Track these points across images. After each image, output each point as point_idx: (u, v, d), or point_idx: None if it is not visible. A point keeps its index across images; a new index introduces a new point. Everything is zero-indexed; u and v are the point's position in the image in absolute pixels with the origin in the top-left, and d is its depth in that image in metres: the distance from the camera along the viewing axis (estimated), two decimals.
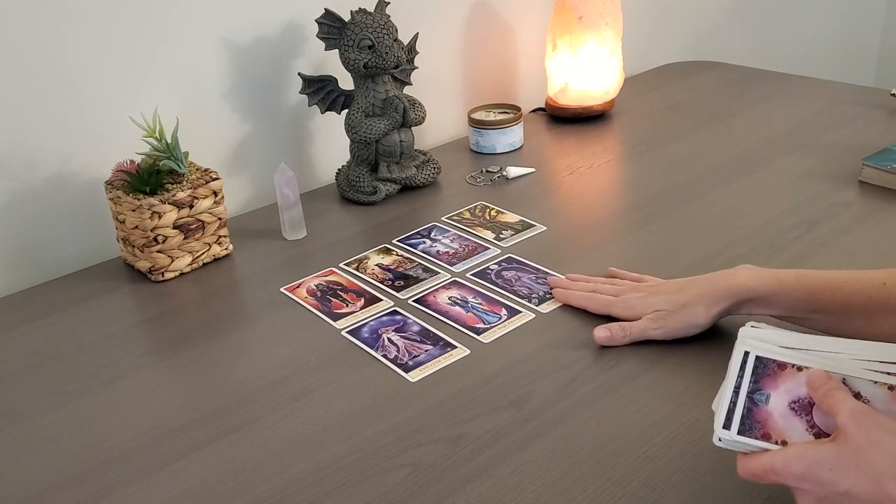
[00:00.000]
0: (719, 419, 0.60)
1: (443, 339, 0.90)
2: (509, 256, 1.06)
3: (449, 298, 0.98)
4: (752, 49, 2.04)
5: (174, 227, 1.05)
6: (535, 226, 1.14)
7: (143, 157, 1.07)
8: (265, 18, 1.24)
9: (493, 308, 0.95)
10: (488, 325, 0.92)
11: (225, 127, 1.25)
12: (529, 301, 0.96)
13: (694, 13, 1.90)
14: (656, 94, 1.62)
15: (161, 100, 1.14)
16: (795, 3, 2.15)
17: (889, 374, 0.59)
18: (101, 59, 1.11)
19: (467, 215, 1.18)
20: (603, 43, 1.43)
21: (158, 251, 1.06)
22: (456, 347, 0.89)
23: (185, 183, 1.07)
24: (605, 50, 1.44)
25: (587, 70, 1.45)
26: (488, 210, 1.20)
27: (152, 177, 1.05)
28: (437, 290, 1.00)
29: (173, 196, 1.04)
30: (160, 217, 1.03)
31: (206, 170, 1.10)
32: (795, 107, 1.48)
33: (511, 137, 1.40)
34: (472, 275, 1.03)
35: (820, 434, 0.58)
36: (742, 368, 0.62)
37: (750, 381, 0.61)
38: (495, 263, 1.05)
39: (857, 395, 0.59)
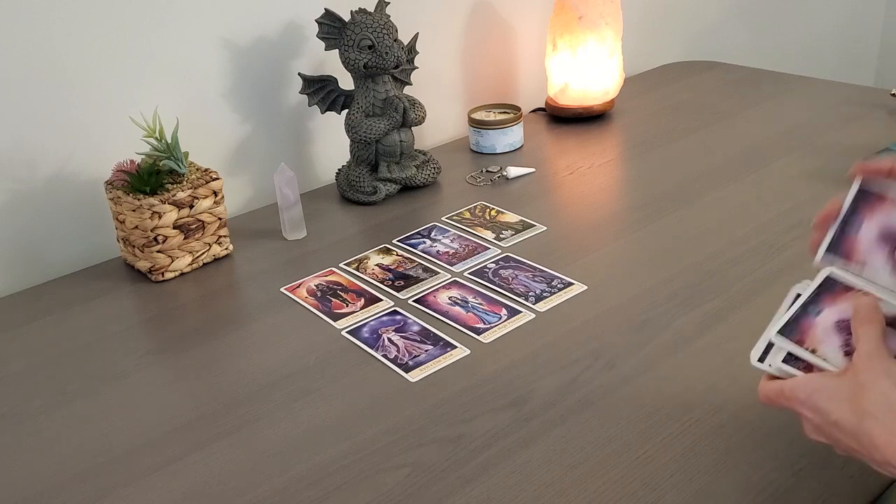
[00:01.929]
0: (758, 346, 0.62)
1: (443, 339, 0.90)
2: (507, 255, 1.06)
3: (449, 298, 0.98)
4: (752, 49, 2.04)
5: (174, 227, 1.05)
6: (535, 226, 1.14)
7: (143, 157, 1.07)
8: (265, 19, 1.24)
9: (493, 308, 0.95)
10: (488, 325, 0.92)
11: (225, 127, 1.25)
12: (526, 299, 0.96)
13: (694, 13, 1.90)
14: (656, 94, 1.62)
15: (161, 100, 1.14)
16: (795, 3, 2.15)
17: None
18: (101, 59, 1.11)
19: (467, 215, 1.18)
20: (603, 43, 1.43)
21: (158, 251, 1.06)
22: (456, 347, 0.89)
23: (185, 183, 1.07)
24: (605, 50, 1.44)
25: (587, 70, 1.45)
26: (488, 210, 1.20)
27: (152, 177, 1.05)
28: (437, 290, 1.00)
29: (173, 196, 1.04)
30: (160, 217, 1.03)
31: (206, 170, 1.10)
32: (795, 107, 1.49)
33: (511, 137, 1.40)
34: (469, 273, 1.03)
35: (850, 354, 0.59)
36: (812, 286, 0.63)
37: (812, 294, 0.63)
38: (493, 262, 1.05)
39: None
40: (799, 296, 0.64)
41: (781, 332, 0.62)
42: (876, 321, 0.58)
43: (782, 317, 0.63)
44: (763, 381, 0.62)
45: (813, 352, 0.60)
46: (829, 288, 0.63)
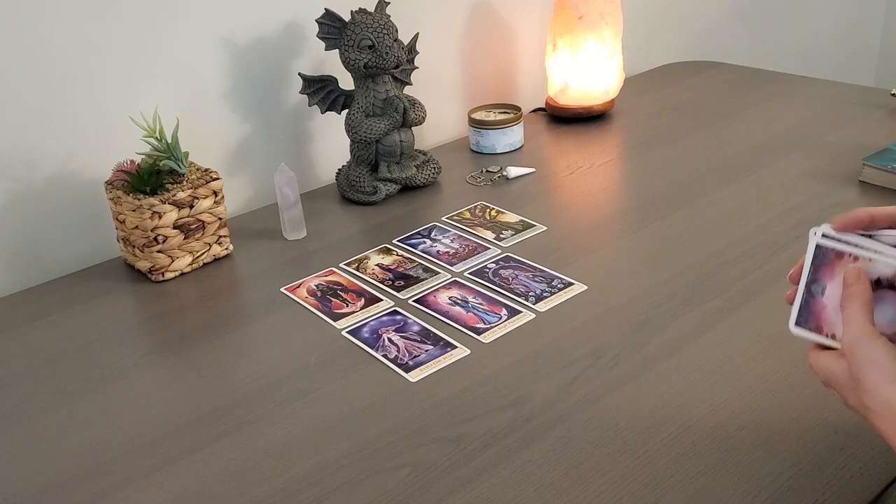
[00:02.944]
0: (791, 314, 0.62)
1: (443, 339, 0.90)
2: (507, 255, 1.06)
3: (449, 298, 0.98)
4: (752, 49, 2.04)
5: (174, 227, 1.05)
6: (535, 226, 1.14)
7: (144, 157, 1.07)
8: (265, 18, 1.24)
9: (493, 308, 0.95)
10: (488, 325, 0.92)
11: (225, 127, 1.25)
12: (526, 299, 0.96)
13: (694, 13, 1.90)
14: (656, 94, 1.62)
15: (161, 100, 1.14)
16: (795, 3, 2.15)
17: None
18: (101, 59, 1.11)
19: (467, 215, 1.18)
20: (603, 43, 1.43)
21: (158, 251, 1.06)
22: (456, 347, 0.89)
23: (185, 183, 1.07)
24: (605, 50, 1.44)
25: (587, 70, 1.45)
26: (488, 210, 1.20)
27: (152, 177, 1.05)
28: (437, 290, 1.00)
29: (173, 196, 1.04)
30: (160, 217, 1.04)
31: (206, 170, 1.10)
32: (795, 107, 1.49)
33: (511, 137, 1.40)
34: (469, 273, 1.03)
35: None
36: (808, 262, 0.62)
37: (809, 272, 0.61)
38: (493, 262, 1.05)
39: (878, 281, 0.58)
40: (818, 247, 0.62)
41: (798, 323, 0.61)
42: (858, 296, 0.58)
43: (793, 306, 0.62)
44: (810, 348, 0.62)
45: (833, 337, 0.60)
46: (823, 259, 0.61)
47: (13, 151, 1.08)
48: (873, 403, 0.55)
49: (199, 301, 1.04)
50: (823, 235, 0.62)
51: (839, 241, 0.61)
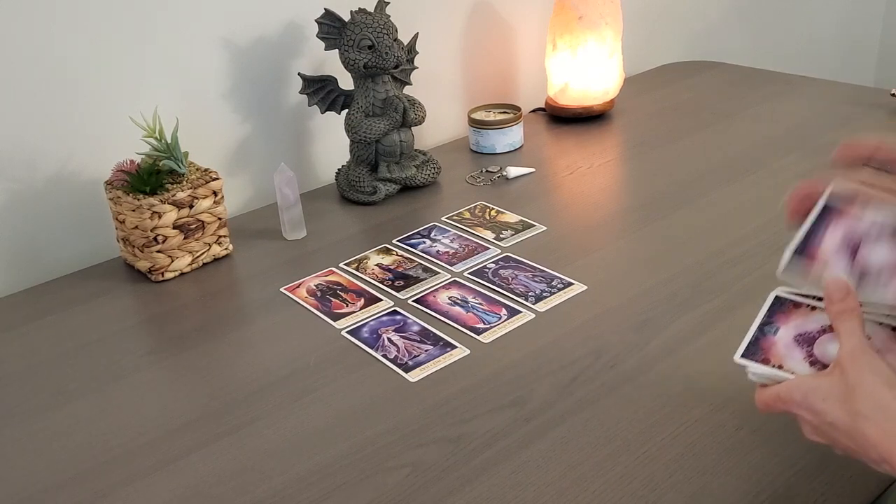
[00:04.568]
0: (739, 348, 0.64)
1: (443, 339, 0.90)
2: (507, 255, 1.06)
3: (449, 298, 0.98)
4: (752, 49, 2.04)
5: (174, 227, 1.05)
6: (535, 226, 1.14)
7: (143, 157, 1.07)
8: (265, 18, 1.24)
9: (493, 308, 0.95)
10: (488, 325, 0.92)
11: (225, 127, 1.25)
12: (526, 299, 0.96)
13: (694, 13, 1.90)
14: (656, 94, 1.62)
15: (161, 100, 1.14)
16: (795, 2, 2.15)
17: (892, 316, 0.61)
18: (101, 59, 1.11)
19: (467, 215, 1.18)
20: (603, 43, 1.43)
21: (158, 251, 1.06)
22: (456, 347, 0.89)
23: (185, 183, 1.07)
24: (605, 50, 1.44)
25: (587, 70, 1.45)
26: (488, 210, 1.20)
27: (152, 177, 1.05)
28: (437, 290, 1.00)
29: (173, 196, 1.04)
30: (160, 217, 1.04)
31: (206, 170, 1.10)
32: (795, 107, 1.49)
33: (511, 137, 1.40)
34: (469, 273, 1.03)
35: (815, 363, 0.61)
36: (763, 309, 0.66)
37: (764, 316, 0.65)
38: (493, 262, 1.05)
39: (823, 330, 0.62)
40: (777, 297, 0.66)
41: (744, 355, 0.63)
42: (855, 312, 0.59)
43: (742, 341, 0.64)
44: (758, 389, 0.63)
45: (780, 367, 0.62)
46: (780, 307, 0.65)
47: (13, 151, 1.08)
48: (867, 408, 0.55)
49: (198, 301, 1.04)
50: (784, 290, 0.67)
51: (798, 294, 0.66)
